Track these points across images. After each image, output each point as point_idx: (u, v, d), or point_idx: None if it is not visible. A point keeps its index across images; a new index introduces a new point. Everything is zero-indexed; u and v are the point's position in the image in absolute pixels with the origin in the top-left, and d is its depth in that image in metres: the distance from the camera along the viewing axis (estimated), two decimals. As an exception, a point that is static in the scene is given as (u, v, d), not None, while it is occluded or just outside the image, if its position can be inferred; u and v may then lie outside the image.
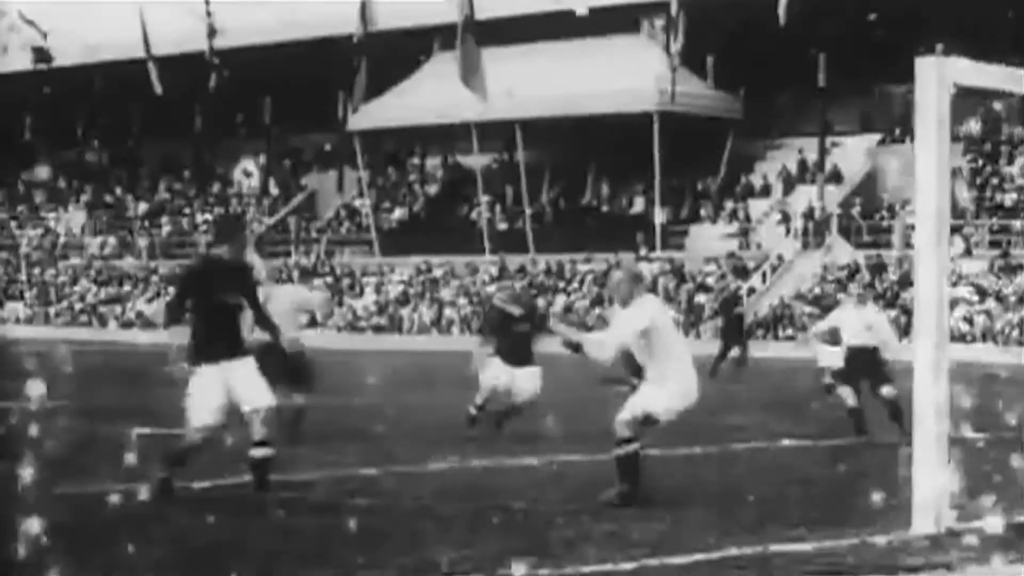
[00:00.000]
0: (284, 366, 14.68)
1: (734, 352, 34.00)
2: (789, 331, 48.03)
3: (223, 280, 11.68)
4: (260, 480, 11.75)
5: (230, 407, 11.70)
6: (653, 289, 52.87)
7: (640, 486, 11.29)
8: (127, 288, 65.63)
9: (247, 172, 66.46)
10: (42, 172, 75.27)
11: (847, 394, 17.17)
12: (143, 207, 71.95)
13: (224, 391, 11.57)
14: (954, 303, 41.89)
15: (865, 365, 17.11)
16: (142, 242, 68.77)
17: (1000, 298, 45.64)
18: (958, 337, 40.54)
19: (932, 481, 9.86)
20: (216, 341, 11.55)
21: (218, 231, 12.09)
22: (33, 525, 9.73)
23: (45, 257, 70.41)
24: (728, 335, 35.21)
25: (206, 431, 11.71)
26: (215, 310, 11.57)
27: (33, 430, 15.98)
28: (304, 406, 16.30)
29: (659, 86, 52.89)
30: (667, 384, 11.55)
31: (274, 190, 69.22)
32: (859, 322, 17.32)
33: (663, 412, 11.53)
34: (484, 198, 59.44)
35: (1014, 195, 50.37)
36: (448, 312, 55.38)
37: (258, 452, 11.72)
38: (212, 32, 58.48)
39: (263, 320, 12.08)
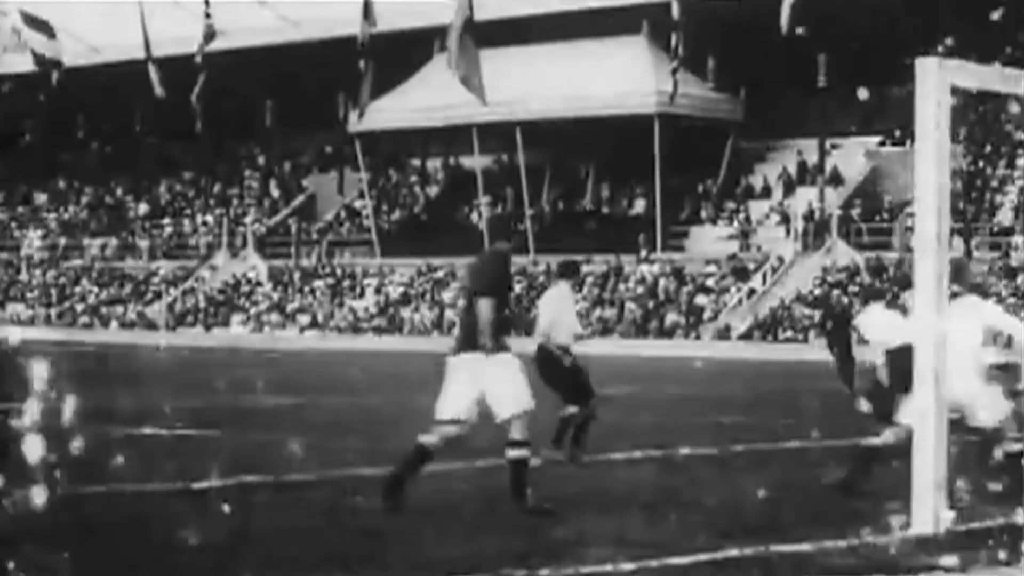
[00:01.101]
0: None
1: None
2: (789, 332, 48.04)
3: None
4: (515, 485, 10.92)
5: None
6: (653, 290, 53.05)
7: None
8: (128, 289, 65.68)
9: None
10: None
11: None
12: (144, 208, 71.98)
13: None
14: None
15: None
16: (143, 243, 68.79)
17: (1000, 300, 45.65)
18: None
19: (930, 481, 9.88)
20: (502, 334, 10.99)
21: (498, 227, 11.86)
22: (37, 525, 9.76)
23: (46, 258, 70.45)
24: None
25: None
26: (504, 303, 11.05)
27: (35, 431, 15.99)
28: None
29: (659, 88, 52.92)
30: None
31: (275, 191, 69.26)
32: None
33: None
34: (484, 199, 59.47)
35: (1014, 197, 50.40)
36: (449, 314, 55.38)
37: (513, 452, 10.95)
38: (209, 35, 58.38)
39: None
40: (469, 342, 10.82)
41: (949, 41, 45.58)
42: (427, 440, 10.98)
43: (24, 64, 65.98)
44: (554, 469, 13.82)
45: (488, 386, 10.79)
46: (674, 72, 51.28)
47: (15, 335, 26.34)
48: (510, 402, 10.79)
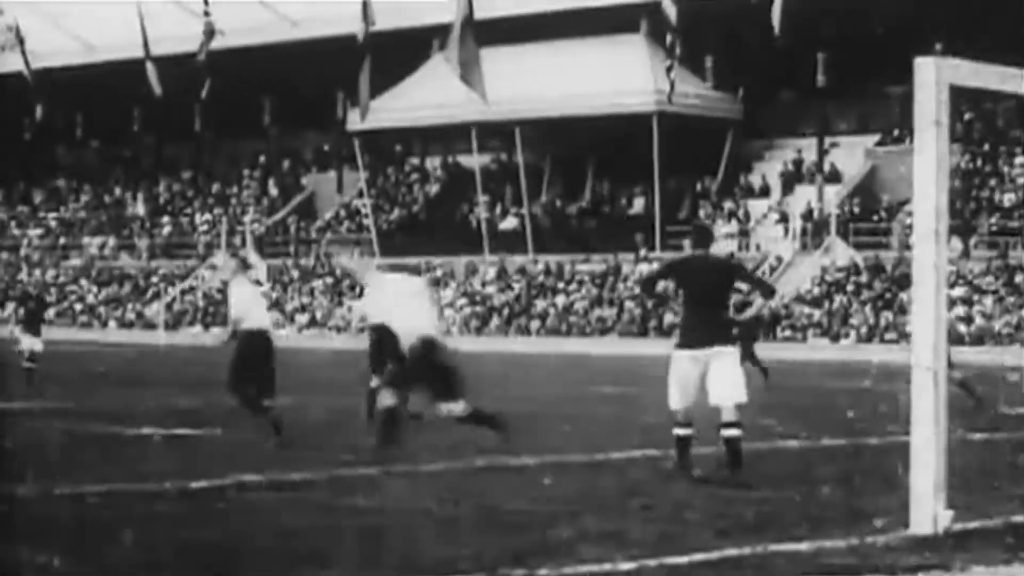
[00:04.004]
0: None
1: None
2: (788, 332, 48.05)
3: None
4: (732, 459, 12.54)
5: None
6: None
7: None
8: (127, 289, 65.68)
9: None
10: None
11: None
12: (143, 207, 71.98)
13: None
14: (952, 304, 41.92)
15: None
16: (142, 243, 68.78)
17: (999, 298, 45.66)
18: (955, 338, 40.64)
19: (930, 481, 9.88)
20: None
21: (699, 236, 13.52)
22: (35, 525, 9.75)
23: (45, 257, 70.43)
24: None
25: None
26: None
27: (36, 430, 15.99)
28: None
29: (658, 86, 52.93)
30: None
31: (273, 190, 69.26)
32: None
33: None
34: (483, 198, 59.47)
35: (1012, 195, 50.39)
36: (448, 313, 55.37)
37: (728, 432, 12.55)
38: (209, 34, 58.39)
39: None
40: (699, 338, 12.52)
41: (947, 39, 45.57)
42: (682, 432, 12.62)
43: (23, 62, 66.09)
44: (552, 469, 13.82)
45: (711, 375, 12.48)
46: (669, 70, 51.29)
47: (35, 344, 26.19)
48: (730, 390, 12.48)
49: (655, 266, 54.03)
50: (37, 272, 69.08)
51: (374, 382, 16.60)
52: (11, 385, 22.60)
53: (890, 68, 41.92)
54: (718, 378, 12.45)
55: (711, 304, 12.77)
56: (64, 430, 16.08)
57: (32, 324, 26.31)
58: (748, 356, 28.11)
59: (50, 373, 26.40)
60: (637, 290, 53.06)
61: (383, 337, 15.72)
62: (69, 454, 14.27)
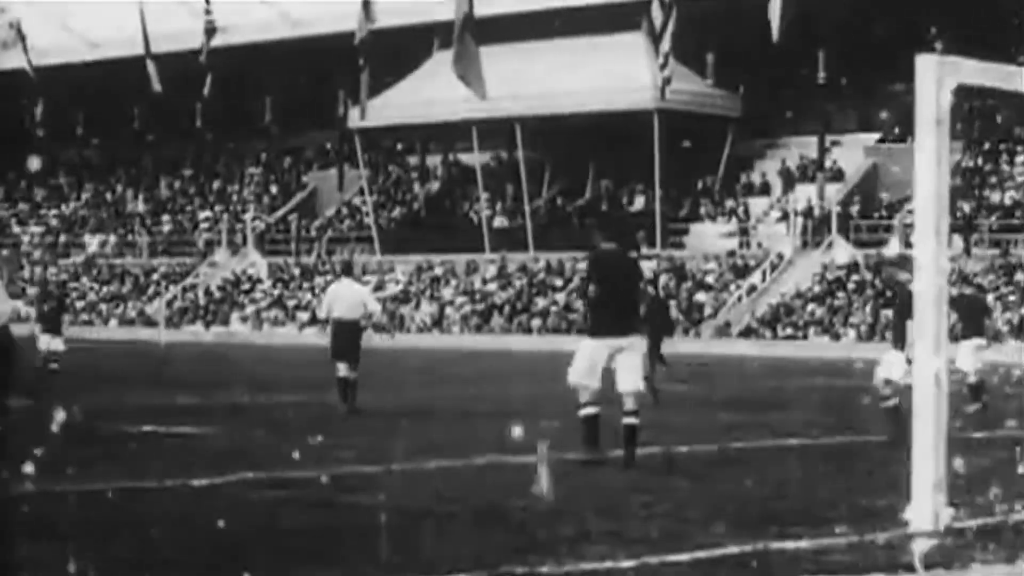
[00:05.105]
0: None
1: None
2: (789, 329, 48.05)
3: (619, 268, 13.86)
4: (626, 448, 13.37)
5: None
6: (653, 286, 53.00)
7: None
8: (128, 286, 65.69)
9: None
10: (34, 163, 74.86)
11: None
12: (144, 205, 71.98)
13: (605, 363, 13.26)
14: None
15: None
16: (143, 240, 68.79)
17: (1000, 297, 45.65)
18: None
19: (930, 479, 9.87)
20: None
21: (614, 229, 14.90)
22: (34, 522, 9.75)
23: (46, 255, 70.45)
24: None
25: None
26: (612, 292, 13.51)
27: (36, 428, 15.99)
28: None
29: (658, 84, 52.94)
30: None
31: (274, 188, 69.26)
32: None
33: None
34: (484, 196, 59.47)
35: (1013, 193, 50.39)
36: (449, 311, 55.37)
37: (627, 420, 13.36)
38: (210, 32, 58.44)
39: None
40: (610, 327, 13.25)
41: (948, 37, 45.56)
42: (590, 411, 13.34)
43: (24, 60, 66.14)
44: (553, 467, 13.81)
45: (618, 363, 13.21)
46: (662, 67, 51.27)
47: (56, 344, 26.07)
48: (632, 379, 13.29)
49: (655, 264, 54.11)
50: (38, 270, 69.11)
51: (342, 371, 19.65)
52: (14, 383, 22.59)
53: (891, 66, 41.92)
54: (624, 367, 13.22)
55: (623, 295, 13.44)
56: (64, 427, 16.08)
57: (52, 323, 26.19)
58: (654, 348, 26.95)
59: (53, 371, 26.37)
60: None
61: (338, 330, 19.72)
62: (69, 451, 14.26)
